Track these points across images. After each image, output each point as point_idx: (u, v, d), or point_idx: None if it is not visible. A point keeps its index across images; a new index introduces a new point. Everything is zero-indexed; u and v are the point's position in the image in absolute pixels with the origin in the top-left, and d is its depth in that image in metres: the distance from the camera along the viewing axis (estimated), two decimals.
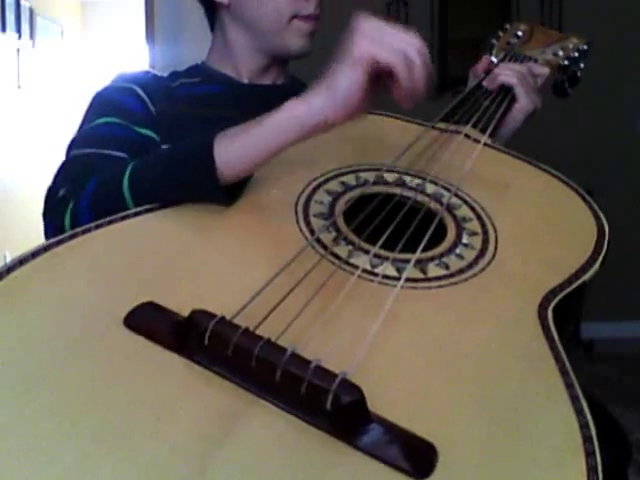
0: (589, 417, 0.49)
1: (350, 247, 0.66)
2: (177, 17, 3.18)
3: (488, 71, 1.03)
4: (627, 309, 3.29)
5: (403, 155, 0.81)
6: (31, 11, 3.99)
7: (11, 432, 0.43)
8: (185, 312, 0.52)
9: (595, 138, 3.26)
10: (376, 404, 0.47)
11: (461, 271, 0.65)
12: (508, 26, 1.17)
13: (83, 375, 0.48)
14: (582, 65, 1.10)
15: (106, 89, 0.95)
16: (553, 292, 0.63)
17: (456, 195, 0.77)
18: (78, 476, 0.42)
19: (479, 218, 0.74)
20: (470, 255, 0.68)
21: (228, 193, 0.69)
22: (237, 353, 0.49)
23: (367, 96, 0.66)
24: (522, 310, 0.61)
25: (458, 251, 0.68)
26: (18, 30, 3.83)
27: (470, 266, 0.66)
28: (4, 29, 3.67)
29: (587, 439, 0.47)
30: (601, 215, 0.76)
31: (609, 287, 2.54)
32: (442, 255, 0.67)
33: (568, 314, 0.64)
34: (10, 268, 0.56)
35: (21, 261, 0.57)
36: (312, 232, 0.67)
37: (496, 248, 0.69)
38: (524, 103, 0.96)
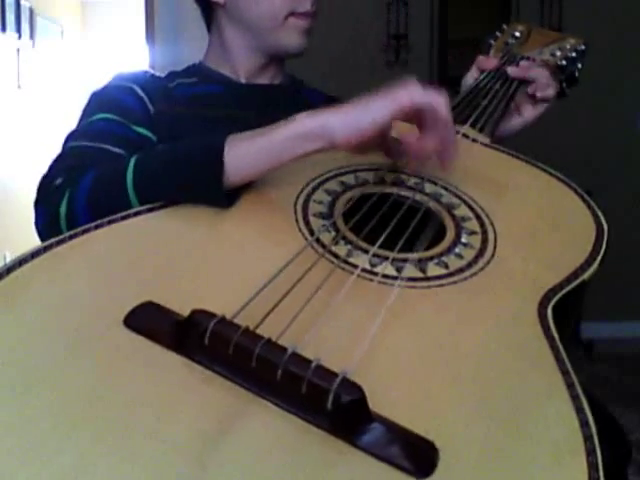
0: (589, 415, 0.49)
1: (349, 246, 0.66)
2: (177, 17, 3.19)
3: (497, 68, 1.03)
4: (627, 309, 3.30)
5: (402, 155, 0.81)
6: (31, 11, 4.00)
7: (11, 432, 0.43)
8: (185, 312, 0.52)
9: (595, 138, 3.26)
10: (377, 403, 0.47)
11: (461, 270, 0.65)
12: (505, 27, 1.17)
13: (83, 375, 0.48)
14: (580, 65, 1.10)
15: (105, 88, 0.95)
16: (553, 291, 0.63)
17: (455, 194, 0.77)
18: (78, 476, 0.42)
19: (478, 217, 0.74)
20: (469, 254, 0.68)
21: (228, 197, 0.69)
22: (237, 353, 0.49)
23: (379, 139, 0.68)
24: (522, 309, 0.61)
25: (457, 250, 0.68)
26: (18, 30, 3.84)
27: (469, 265, 0.66)
28: (4, 29, 3.67)
29: (588, 438, 0.47)
30: (600, 214, 0.76)
31: (609, 287, 2.54)
32: (441, 254, 0.67)
33: (568, 313, 0.64)
34: (10, 268, 0.56)
35: (21, 261, 0.57)
36: (311, 232, 0.67)
37: (495, 247, 0.69)
38: (537, 113, 0.97)
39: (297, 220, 0.69)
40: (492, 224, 0.73)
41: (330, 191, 0.74)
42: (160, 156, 0.74)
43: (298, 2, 0.94)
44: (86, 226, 0.64)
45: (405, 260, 0.65)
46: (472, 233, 0.71)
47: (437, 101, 0.68)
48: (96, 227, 0.64)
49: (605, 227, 0.74)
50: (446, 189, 0.77)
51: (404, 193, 0.76)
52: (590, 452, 0.46)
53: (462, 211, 0.75)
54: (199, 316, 0.51)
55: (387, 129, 0.69)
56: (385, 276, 0.62)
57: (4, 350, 0.50)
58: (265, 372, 0.48)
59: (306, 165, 0.71)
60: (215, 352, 0.50)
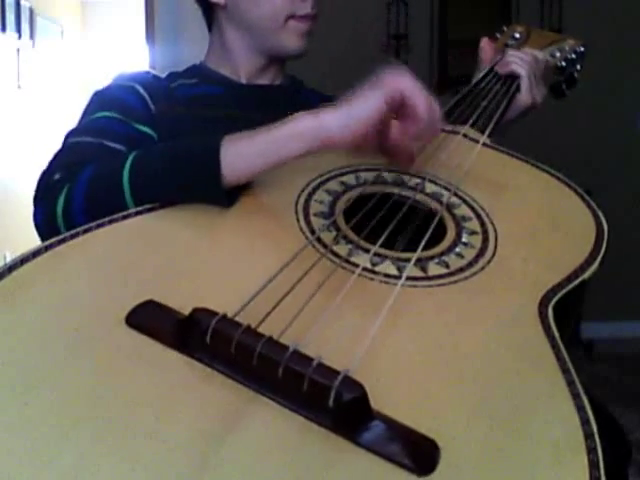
0: (590, 414, 0.49)
1: (350, 246, 0.66)
2: (177, 17, 3.19)
3: (496, 62, 1.03)
4: (627, 309, 3.30)
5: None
6: (31, 11, 4.00)
7: (12, 432, 0.44)
8: (187, 310, 0.52)
9: (595, 138, 3.26)
10: (378, 401, 0.47)
11: (461, 270, 0.65)
12: (505, 28, 1.18)
13: (84, 374, 0.49)
14: (579, 67, 1.11)
15: (107, 87, 0.95)
16: (553, 290, 0.63)
17: (455, 194, 0.77)
18: (78, 476, 0.42)
19: (479, 217, 0.74)
20: (470, 254, 0.68)
21: (228, 196, 0.69)
22: (239, 351, 0.49)
23: (377, 129, 0.69)
24: (522, 308, 0.61)
25: (458, 250, 0.68)
26: (18, 30, 3.83)
27: (470, 265, 0.66)
28: (4, 29, 3.67)
29: (588, 436, 0.48)
30: (600, 214, 0.76)
31: (609, 287, 2.54)
32: (442, 254, 0.67)
33: (568, 312, 0.64)
34: (11, 267, 0.56)
35: (22, 260, 0.57)
36: (312, 231, 0.67)
37: (496, 247, 0.69)
38: (525, 97, 0.97)
39: (298, 220, 0.69)
40: (493, 224, 0.73)
41: (331, 191, 0.74)
42: (157, 155, 0.74)
43: (298, 5, 0.94)
44: (87, 225, 0.64)
45: (406, 259, 0.65)
46: (473, 233, 0.71)
47: (420, 97, 0.69)
48: (97, 226, 0.64)
49: (605, 227, 0.74)
50: (447, 189, 0.77)
51: (405, 193, 0.76)
52: (591, 450, 0.46)
53: (463, 211, 0.75)
54: (200, 314, 0.51)
55: (382, 124, 0.70)
56: (386, 275, 0.62)
57: (5, 350, 0.50)
58: (266, 370, 0.48)
59: (307, 165, 0.71)
60: (216, 350, 0.50)
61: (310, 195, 0.73)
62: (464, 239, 0.70)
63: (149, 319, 0.53)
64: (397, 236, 0.68)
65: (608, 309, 3.07)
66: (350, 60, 3.20)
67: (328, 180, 0.76)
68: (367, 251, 0.65)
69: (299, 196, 0.72)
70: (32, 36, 4.04)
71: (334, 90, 1.09)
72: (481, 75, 1.03)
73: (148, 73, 1.00)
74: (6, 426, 0.44)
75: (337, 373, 0.47)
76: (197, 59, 1.06)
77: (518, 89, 0.98)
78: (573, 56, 1.10)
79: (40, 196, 0.78)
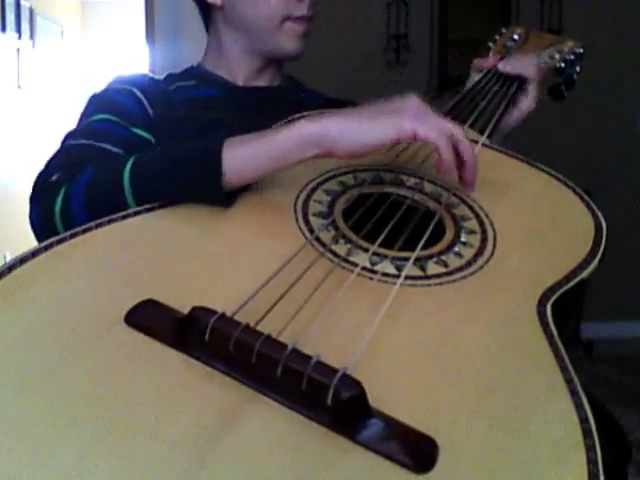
0: (589, 411, 0.49)
1: (349, 245, 0.66)
2: (177, 17, 3.19)
3: (488, 72, 1.03)
4: (627, 309, 3.29)
5: (401, 155, 0.81)
6: (31, 11, 4.00)
7: (11, 431, 0.44)
8: (186, 309, 0.52)
9: (595, 138, 3.26)
10: (376, 399, 0.48)
11: (460, 269, 0.65)
12: (504, 30, 1.18)
13: (83, 374, 0.49)
14: (578, 68, 1.11)
15: (104, 90, 0.95)
16: (552, 289, 0.63)
17: (454, 194, 0.77)
18: (78, 476, 0.42)
19: (477, 217, 0.74)
20: (469, 253, 0.68)
21: (228, 197, 0.69)
22: (238, 349, 0.49)
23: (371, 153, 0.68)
24: (521, 307, 0.61)
25: (457, 249, 0.68)
26: (18, 30, 3.83)
27: (469, 264, 0.66)
28: (4, 29, 3.67)
29: (587, 433, 0.48)
30: (599, 214, 0.76)
31: (609, 287, 2.54)
32: (441, 253, 0.67)
33: (568, 312, 0.65)
34: (11, 267, 0.56)
35: (22, 260, 0.58)
36: (311, 231, 0.67)
37: (494, 246, 0.69)
38: (530, 102, 0.97)
39: (297, 219, 0.69)
40: (491, 223, 0.73)
41: (330, 191, 0.74)
42: (158, 156, 0.74)
43: (295, 6, 0.94)
44: (86, 225, 0.64)
45: (405, 259, 0.65)
46: (471, 232, 0.71)
47: (440, 142, 0.67)
48: (97, 226, 0.64)
49: (604, 226, 0.74)
50: (445, 189, 0.77)
51: (403, 193, 0.76)
52: (590, 448, 0.46)
53: (461, 210, 0.75)
54: (199, 313, 0.52)
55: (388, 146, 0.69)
56: (385, 274, 0.63)
57: (4, 349, 0.50)
58: (265, 368, 0.48)
59: (306, 165, 0.71)
60: (215, 349, 0.50)
61: (309, 195, 0.73)
62: (463, 238, 0.70)
63: (148, 318, 0.53)
64: (396, 235, 0.68)
65: (608, 309, 3.08)
66: (350, 60, 3.21)
67: (327, 180, 0.76)
68: (366, 250, 0.65)
69: (298, 196, 0.72)
70: (32, 36, 4.04)
71: (334, 90, 1.09)
72: (480, 75, 1.03)
73: (145, 76, 0.99)
74: (6, 425, 0.44)
75: (335, 371, 0.47)
76: (197, 59, 1.06)
77: (518, 91, 0.98)
78: (572, 57, 1.10)
79: (37, 196, 0.77)
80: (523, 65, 1.00)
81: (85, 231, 0.63)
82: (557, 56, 1.10)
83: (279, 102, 1.00)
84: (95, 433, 0.44)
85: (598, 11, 3.19)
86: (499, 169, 0.84)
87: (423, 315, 0.59)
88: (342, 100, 1.05)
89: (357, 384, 0.47)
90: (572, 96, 1.13)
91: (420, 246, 0.66)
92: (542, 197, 0.81)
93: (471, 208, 0.75)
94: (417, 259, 0.65)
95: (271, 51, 0.98)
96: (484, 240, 0.70)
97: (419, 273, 0.64)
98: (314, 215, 0.70)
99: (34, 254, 0.59)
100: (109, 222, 0.65)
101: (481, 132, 0.89)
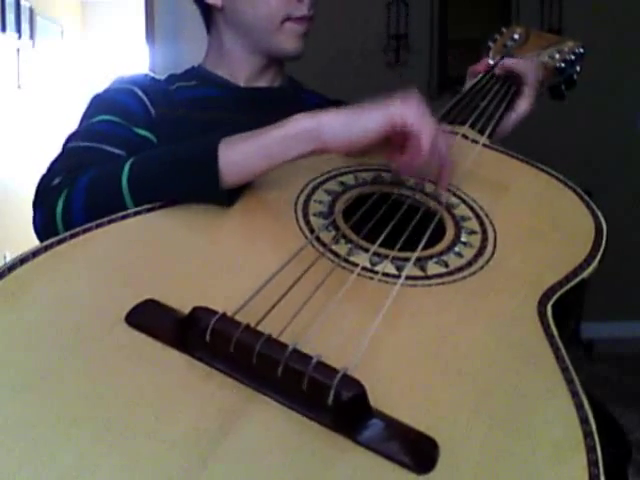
0: (589, 412, 0.49)
1: (350, 245, 0.66)
2: (177, 17, 3.19)
3: (487, 73, 1.04)
4: (627, 309, 3.30)
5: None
6: (31, 11, 4.00)
7: (11, 432, 0.44)
8: (186, 309, 0.52)
9: (595, 138, 3.26)
10: (377, 400, 0.47)
11: (460, 269, 0.65)
12: (504, 29, 1.18)
13: (83, 374, 0.49)
14: (578, 68, 1.11)
15: (106, 91, 0.95)
16: (552, 289, 0.63)
17: (455, 194, 0.77)
18: (78, 476, 0.42)
19: (478, 217, 0.74)
20: (469, 253, 0.68)
21: (228, 195, 0.69)
22: (239, 349, 0.49)
23: (370, 147, 0.68)
24: (521, 307, 0.61)
25: (457, 249, 0.68)
26: (18, 30, 3.83)
27: (469, 264, 0.66)
28: (4, 29, 3.67)
29: (588, 434, 0.48)
30: (599, 214, 0.76)
31: (609, 287, 2.54)
32: (441, 253, 0.67)
33: (568, 312, 0.65)
34: (11, 267, 0.56)
35: (22, 260, 0.57)
36: (312, 231, 0.67)
37: (495, 246, 0.69)
38: (526, 104, 0.97)
39: (297, 219, 0.69)
40: (492, 224, 0.73)
41: (330, 191, 0.74)
42: (155, 157, 0.75)
43: (294, 6, 0.94)
44: (87, 225, 0.64)
45: (405, 259, 0.65)
46: (472, 232, 0.71)
47: (425, 132, 0.67)
48: (97, 226, 0.64)
49: (604, 226, 0.74)
50: (446, 189, 0.77)
51: (404, 193, 0.76)
52: (590, 449, 0.46)
53: (462, 211, 0.75)
54: (200, 313, 0.51)
55: (381, 136, 0.68)
56: (385, 274, 0.63)
57: (4, 349, 0.50)
58: (266, 369, 0.48)
59: (306, 165, 0.71)
60: (216, 349, 0.50)
61: (309, 195, 0.73)
62: (463, 239, 0.70)
63: (149, 318, 0.53)
64: (396, 235, 0.68)
65: (608, 309, 3.08)
66: (350, 60, 3.21)
67: (327, 180, 0.76)
68: (366, 250, 0.65)
69: (298, 196, 0.72)
70: (32, 36, 4.04)
71: (334, 90, 1.09)
72: (479, 77, 1.03)
73: (147, 76, 1.00)
74: (6, 425, 0.44)
75: (336, 371, 0.47)
76: (197, 60, 1.06)
77: (517, 93, 0.98)
78: (572, 57, 1.10)
79: (39, 201, 0.78)
80: (520, 64, 1.00)
81: (85, 231, 0.63)
82: (557, 56, 1.10)
83: (280, 103, 1.00)
84: (95, 433, 0.44)
85: (598, 11, 3.19)
86: (499, 169, 0.84)
87: (423, 315, 0.59)
88: (342, 101, 1.05)
89: (358, 384, 0.47)
90: (572, 96, 1.13)
91: (421, 246, 0.66)
92: (542, 197, 0.81)
93: (471, 208, 0.75)
94: (417, 259, 0.65)
95: (271, 51, 0.98)
96: (484, 240, 0.70)
97: (419, 273, 0.64)
98: (315, 215, 0.70)
99: (34, 254, 0.59)
100: (109, 222, 0.65)
101: (481, 132, 0.89)
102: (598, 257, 0.69)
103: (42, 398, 0.46)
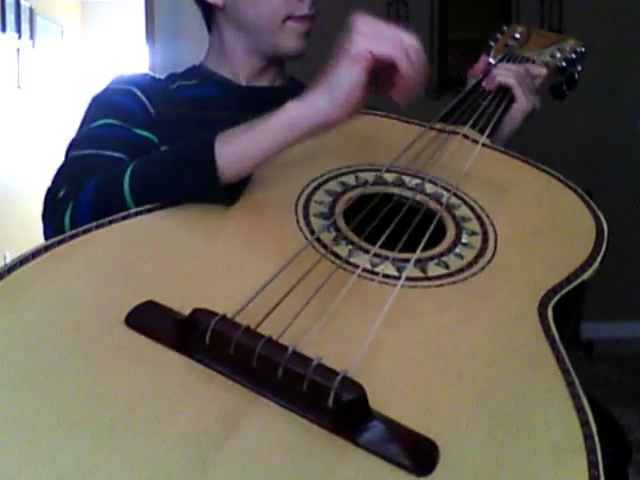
0: (590, 415, 0.49)
1: (350, 247, 0.66)
2: (177, 17, 3.19)
3: (487, 72, 1.03)
4: (627, 309, 3.30)
5: (402, 155, 0.81)
6: (31, 11, 3.99)
7: (12, 432, 0.44)
8: (186, 311, 0.52)
9: (595, 138, 3.26)
10: (377, 402, 0.47)
11: (461, 270, 0.65)
12: (506, 28, 1.18)
13: (84, 375, 0.49)
14: (580, 67, 1.11)
15: (104, 91, 0.95)
16: (553, 291, 0.63)
17: (455, 195, 0.77)
18: (78, 476, 0.42)
19: (478, 218, 0.74)
20: (470, 254, 0.68)
21: (229, 193, 0.69)
22: (238, 351, 0.49)
23: (366, 94, 0.66)
24: (522, 309, 0.61)
25: (458, 250, 0.68)
26: (18, 30, 3.83)
27: (470, 265, 0.66)
28: (4, 29, 3.67)
29: (588, 437, 0.48)
30: (600, 215, 0.76)
31: (609, 287, 2.54)
32: (442, 254, 0.67)
33: (568, 313, 0.65)
34: (11, 268, 0.56)
35: (22, 261, 0.57)
36: (312, 232, 0.67)
37: (496, 247, 0.69)
38: (522, 103, 0.96)
39: (298, 220, 0.69)
40: (492, 224, 0.73)
41: (331, 192, 0.74)
42: (155, 159, 0.75)
43: (296, 5, 0.94)
44: (87, 226, 0.64)
45: (406, 260, 0.65)
46: (472, 233, 0.71)
47: (396, 52, 0.65)
48: (97, 227, 0.64)
49: (605, 227, 0.74)
50: (447, 190, 0.77)
51: (405, 193, 0.76)
52: (591, 451, 0.46)
53: (462, 211, 0.75)
54: (200, 315, 0.51)
55: (365, 80, 0.65)
56: (386, 276, 0.63)
57: (4, 350, 0.50)
58: (266, 371, 0.48)
59: (306, 166, 0.71)
60: (216, 351, 0.50)
61: (310, 196, 0.73)
62: (464, 240, 0.70)
63: (149, 319, 0.53)
64: (397, 237, 0.68)
65: (608, 309, 3.07)
66: None
67: (328, 181, 0.76)
68: (367, 252, 0.65)
69: (299, 197, 0.72)
70: (32, 36, 4.04)
71: None
72: (480, 77, 1.03)
73: (146, 75, 0.99)
74: (7, 426, 0.44)
75: (336, 373, 0.47)
76: (197, 59, 1.06)
77: (512, 99, 0.98)
78: (573, 56, 1.10)
79: (48, 215, 0.78)
80: (502, 75, 0.98)
81: (85, 232, 0.63)
82: (558, 55, 1.10)
83: (281, 102, 1.00)
84: (96, 434, 0.44)
85: (598, 11, 3.19)
86: (499, 169, 0.84)
87: (424, 316, 0.59)
88: None
89: (358, 387, 0.47)
90: (572, 96, 1.13)
91: (421, 247, 0.66)
92: (543, 198, 0.81)
93: (472, 209, 0.75)
94: (418, 260, 0.65)
95: (272, 50, 0.98)
96: (485, 241, 0.70)
97: (420, 274, 0.64)
98: (315, 216, 0.70)
99: (34, 255, 0.59)
100: (109, 223, 0.65)
101: (481, 132, 0.89)
102: (599, 259, 0.69)
103: (42, 398, 0.46)
